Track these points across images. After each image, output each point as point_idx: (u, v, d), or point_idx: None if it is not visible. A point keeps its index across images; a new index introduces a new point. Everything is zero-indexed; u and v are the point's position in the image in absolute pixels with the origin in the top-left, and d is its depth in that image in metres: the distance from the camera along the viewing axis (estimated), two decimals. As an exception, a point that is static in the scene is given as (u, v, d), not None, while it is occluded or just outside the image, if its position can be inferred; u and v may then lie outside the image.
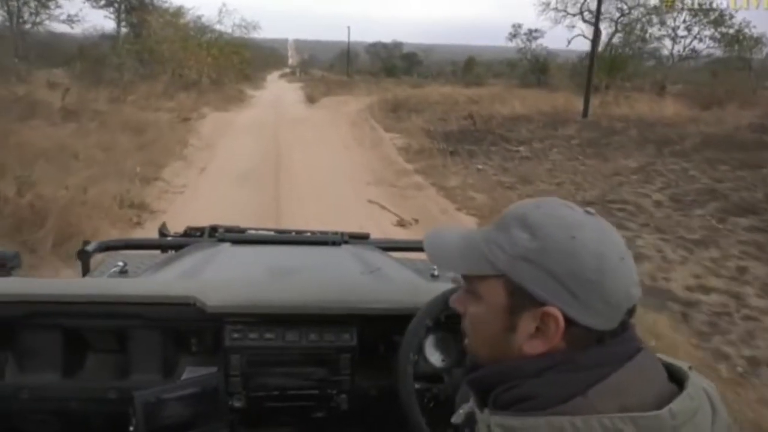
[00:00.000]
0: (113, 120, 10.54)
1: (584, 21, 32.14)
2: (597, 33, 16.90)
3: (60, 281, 1.66)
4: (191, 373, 1.29)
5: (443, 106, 17.63)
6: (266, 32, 44.52)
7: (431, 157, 9.58)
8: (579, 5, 31.51)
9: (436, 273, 1.89)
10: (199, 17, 26.67)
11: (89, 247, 1.86)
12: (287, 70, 58.98)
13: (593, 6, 29.94)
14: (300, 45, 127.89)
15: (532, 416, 0.62)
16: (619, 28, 30.66)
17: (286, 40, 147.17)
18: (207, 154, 9.53)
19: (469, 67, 37.52)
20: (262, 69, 43.16)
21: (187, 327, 1.32)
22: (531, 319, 0.66)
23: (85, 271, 1.87)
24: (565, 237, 0.65)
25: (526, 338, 0.67)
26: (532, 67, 30.46)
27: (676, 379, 0.67)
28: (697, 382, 0.67)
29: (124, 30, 24.83)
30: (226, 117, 15.06)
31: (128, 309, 1.27)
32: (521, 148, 10.90)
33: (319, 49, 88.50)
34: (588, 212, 0.69)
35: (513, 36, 34.37)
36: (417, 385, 1.17)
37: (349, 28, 47.12)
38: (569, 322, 0.65)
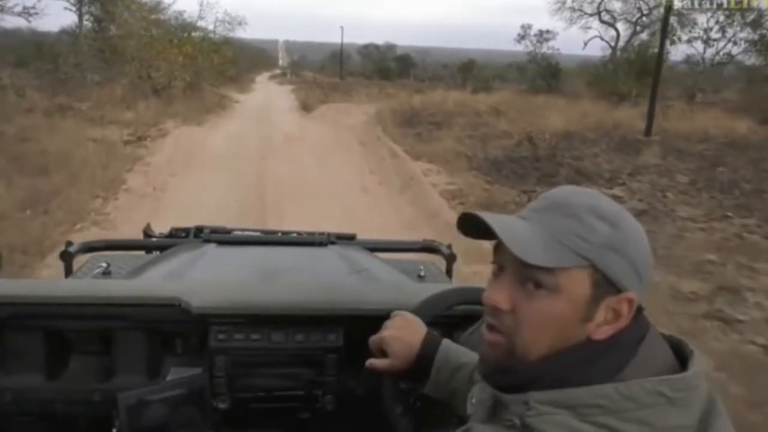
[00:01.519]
0: (13, 148, 7.01)
1: (601, 22, 29.38)
2: (665, 33, 13.60)
3: (43, 282, 1.61)
4: (176, 374, 1.26)
5: (465, 118, 14.37)
6: (256, 33, 43.64)
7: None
8: (596, 4, 28.69)
9: (422, 273, 1.90)
10: (180, 13, 23.55)
11: (72, 248, 1.80)
12: (278, 71, 57.38)
13: (611, 6, 27.38)
14: (290, 46, 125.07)
15: (575, 388, 0.64)
16: (638, 29, 27.89)
17: (276, 41, 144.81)
18: (146, 211, 5.74)
19: (467, 70, 34.72)
20: (251, 70, 41.27)
21: (171, 328, 1.29)
22: (609, 306, 0.68)
23: (68, 272, 1.79)
24: (636, 226, 0.70)
25: (598, 325, 0.68)
26: (543, 72, 27.44)
27: (672, 345, 0.72)
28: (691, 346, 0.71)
29: (87, 24, 21.72)
30: (196, 135, 11.44)
31: (112, 310, 1.25)
32: (617, 191, 7.52)
33: (309, 50, 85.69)
34: None
35: (522, 37, 31.50)
36: (403, 385, 1.12)
37: (342, 28, 44.61)
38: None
